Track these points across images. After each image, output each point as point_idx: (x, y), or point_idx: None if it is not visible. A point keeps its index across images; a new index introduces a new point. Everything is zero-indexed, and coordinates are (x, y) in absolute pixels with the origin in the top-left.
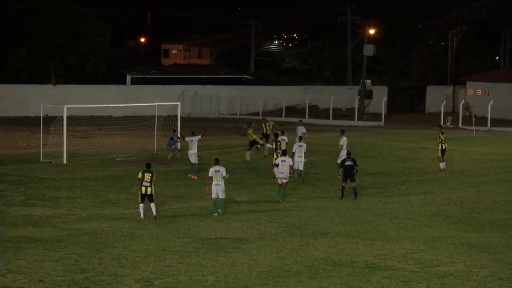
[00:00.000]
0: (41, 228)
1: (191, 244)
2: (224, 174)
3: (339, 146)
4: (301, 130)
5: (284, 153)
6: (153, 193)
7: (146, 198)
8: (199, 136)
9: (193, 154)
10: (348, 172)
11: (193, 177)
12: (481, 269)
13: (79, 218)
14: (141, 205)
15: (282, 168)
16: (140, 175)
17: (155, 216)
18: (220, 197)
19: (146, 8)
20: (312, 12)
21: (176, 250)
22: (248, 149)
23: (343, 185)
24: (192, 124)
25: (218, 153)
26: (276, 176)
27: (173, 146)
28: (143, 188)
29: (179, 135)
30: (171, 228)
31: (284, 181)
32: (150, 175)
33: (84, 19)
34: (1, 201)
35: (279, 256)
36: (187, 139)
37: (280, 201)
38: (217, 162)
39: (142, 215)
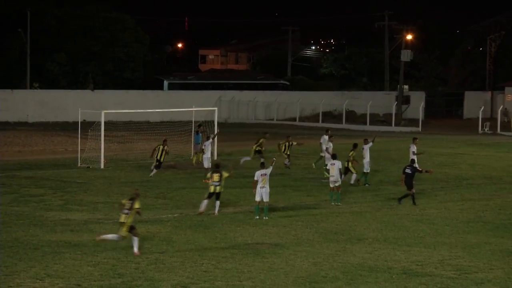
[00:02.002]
0: (79, 232)
1: (227, 249)
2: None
3: (411, 153)
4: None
5: (334, 157)
6: (221, 192)
7: (214, 196)
8: (210, 140)
9: (206, 159)
10: (408, 180)
11: (208, 181)
12: None
13: (117, 223)
14: (205, 200)
15: (332, 171)
16: (209, 175)
17: (216, 213)
18: (264, 200)
19: (183, 14)
20: (350, 18)
21: (213, 255)
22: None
23: (411, 192)
24: (229, 130)
25: (254, 158)
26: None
27: (201, 148)
28: (212, 187)
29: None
30: (208, 233)
31: (336, 184)
32: (218, 175)
33: (122, 25)
34: (40, 205)
35: (315, 261)
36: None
37: (333, 204)
38: (262, 165)
39: (202, 209)
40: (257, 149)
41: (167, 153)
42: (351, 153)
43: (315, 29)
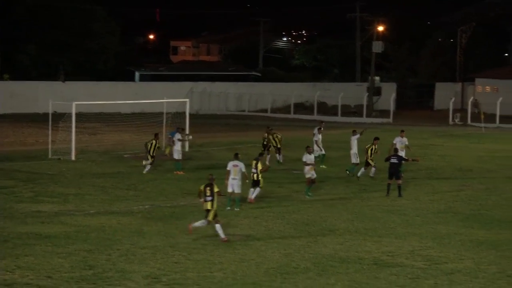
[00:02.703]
0: (50, 224)
1: (199, 240)
2: (243, 169)
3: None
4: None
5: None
6: (260, 179)
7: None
8: (179, 134)
9: (176, 151)
10: (393, 170)
11: (179, 173)
12: (489, 266)
13: (88, 214)
14: (251, 189)
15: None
16: (253, 163)
17: (251, 198)
18: (236, 191)
19: (155, 5)
20: (321, 9)
21: (184, 247)
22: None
23: (389, 182)
24: (201, 121)
25: (226, 149)
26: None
27: (173, 139)
28: (253, 175)
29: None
30: (179, 224)
31: (306, 176)
32: (255, 162)
33: (94, 16)
34: (10, 197)
35: (287, 252)
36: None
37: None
38: (236, 156)
39: (251, 197)
40: (264, 143)
41: (158, 148)
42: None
43: (286, 20)
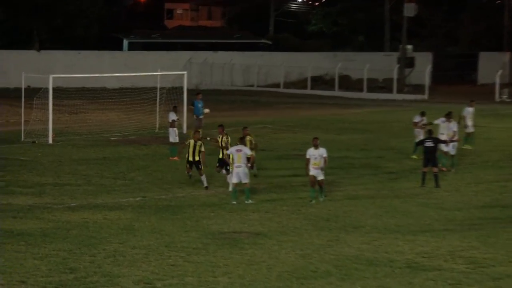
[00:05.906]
0: (23, 220)
1: (199, 239)
2: (249, 154)
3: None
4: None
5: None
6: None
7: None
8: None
9: (173, 132)
10: (429, 155)
11: (175, 158)
12: None
13: (68, 208)
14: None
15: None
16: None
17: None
18: (243, 181)
19: None
20: None
21: (182, 247)
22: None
23: (424, 170)
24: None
25: (233, 131)
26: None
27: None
28: None
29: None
30: (176, 220)
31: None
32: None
33: None
34: None
35: (304, 253)
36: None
37: (317, 200)
38: (241, 140)
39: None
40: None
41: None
42: None
43: None
